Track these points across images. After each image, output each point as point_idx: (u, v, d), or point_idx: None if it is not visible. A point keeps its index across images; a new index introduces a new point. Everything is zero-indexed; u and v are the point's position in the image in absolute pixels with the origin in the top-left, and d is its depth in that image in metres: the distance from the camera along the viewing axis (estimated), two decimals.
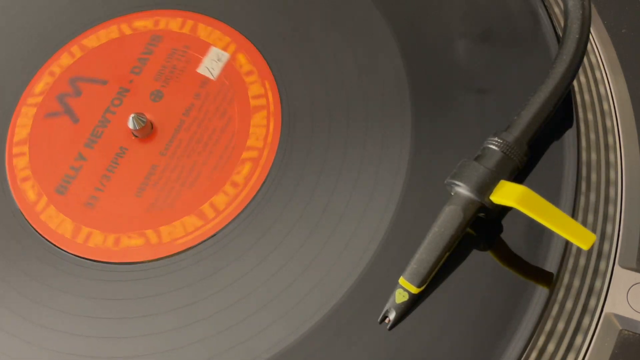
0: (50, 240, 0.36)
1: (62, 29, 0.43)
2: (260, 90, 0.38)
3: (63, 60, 0.41)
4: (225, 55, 0.37)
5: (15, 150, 0.39)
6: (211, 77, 0.37)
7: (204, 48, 0.40)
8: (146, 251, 0.35)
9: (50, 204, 0.37)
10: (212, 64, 0.37)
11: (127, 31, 0.42)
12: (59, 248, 0.36)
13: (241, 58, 0.39)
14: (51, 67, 0.41)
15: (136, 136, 0.38)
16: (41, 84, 0.41)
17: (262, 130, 0.37)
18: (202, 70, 0.39)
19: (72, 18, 0.43)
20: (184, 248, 0.35)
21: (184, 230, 0.35)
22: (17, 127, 0.40)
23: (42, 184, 0.38)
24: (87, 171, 0.38)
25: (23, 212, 0.37)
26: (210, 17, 0.41)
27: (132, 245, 0.35)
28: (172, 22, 0.41)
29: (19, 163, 0.39)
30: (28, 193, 0.38)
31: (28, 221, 0.37)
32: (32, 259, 0.36)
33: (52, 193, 0.37)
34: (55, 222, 0.37)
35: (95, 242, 0.36)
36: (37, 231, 0.37)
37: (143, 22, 0.42)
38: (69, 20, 0.43)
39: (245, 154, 0.36)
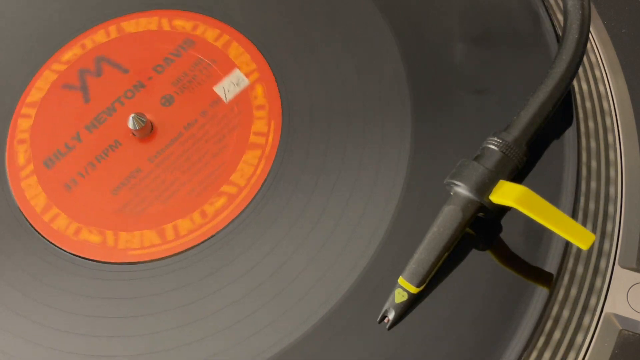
0: (21, 209, 0.37)
1: (107, 6, 0.42)
2: (264, 129, 0.37)
3: (98, 37, 0.41)
4: (245, 81, 0.36)
5: (24, 110, 0.39)
6: (223, 99, 0.36)
7: (228, 67, 0.39)
8: (100, 251, 0.35)
9: (34, 173, 0.37)
10: (230, 86, 0.37)
11: (166, 27, 0.41)
12: (26, 220, 0.36)
13: (258, 89, 0.38)
14: (84, 40, 0.41)
15: (134, 134, 0.38)
16: (70, 53, 0.41)
17: (250, 168, 0.36)
18: (218, 89, 0.38)
19: None
20: (134, 260, 0.35)
21: (140, 243, 0.35)
22: (34, 88, 0.40)
23: (34, 151, 0.38)
24: (78, 153, 0.38)
25: (8, 174, 0.38)
26: (246, 38, 0.40)
27: (90, 240, 0.35)
28: (209, 32, 0.40)
29: (22, 124, 0.39)
30: (19, 156, 0.38)
31: (9, 184, 0.37)
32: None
33: (40, 164, 0.38)
34: (31, 193, 0.37)
35: (59, 225, 0.36)
36: (14, 197, 0.37)
37: (182, 22, 0.41)
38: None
39: (224, 188, 0.36)
